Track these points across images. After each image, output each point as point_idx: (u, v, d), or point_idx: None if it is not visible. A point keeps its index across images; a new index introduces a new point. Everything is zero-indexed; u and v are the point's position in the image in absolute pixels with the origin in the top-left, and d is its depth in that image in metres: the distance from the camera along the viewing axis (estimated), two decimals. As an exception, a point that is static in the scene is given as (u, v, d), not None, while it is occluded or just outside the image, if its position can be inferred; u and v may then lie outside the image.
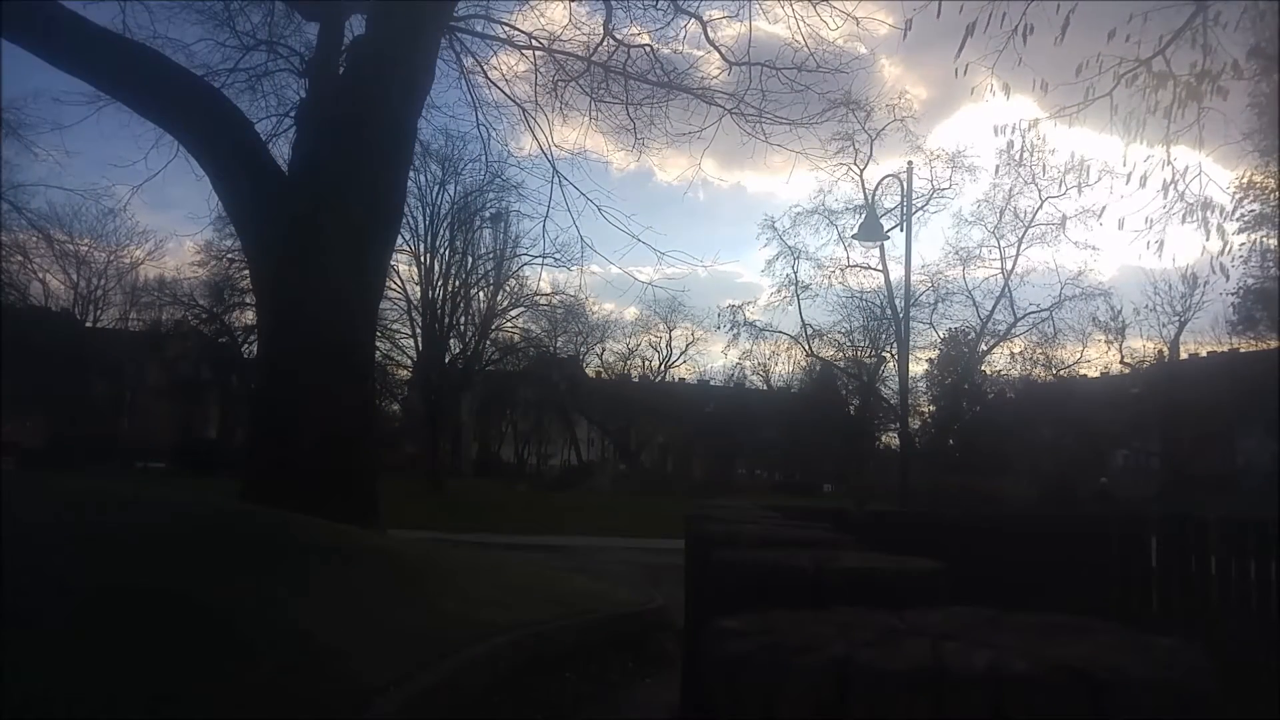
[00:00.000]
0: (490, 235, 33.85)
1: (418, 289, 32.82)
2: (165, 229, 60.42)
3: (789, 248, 34.48)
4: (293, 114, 11.24)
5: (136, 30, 10.63)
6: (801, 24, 11.94)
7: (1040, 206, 32.06)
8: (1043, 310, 33.22)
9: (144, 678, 2.87)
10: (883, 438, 42.00)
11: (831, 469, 41.11)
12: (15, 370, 26.56)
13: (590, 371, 46.58)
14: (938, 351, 37.86)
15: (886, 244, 28.49)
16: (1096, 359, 36.91)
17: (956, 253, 35.04)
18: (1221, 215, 7.18)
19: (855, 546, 0.86)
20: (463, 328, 34.67)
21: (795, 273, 34.49)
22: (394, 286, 30.45)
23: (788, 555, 0.66)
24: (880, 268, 33.08)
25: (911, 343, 22.47)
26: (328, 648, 3.42)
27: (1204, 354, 35.87)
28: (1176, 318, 34.93)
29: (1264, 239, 16.99)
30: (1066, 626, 0.41)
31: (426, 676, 3.37)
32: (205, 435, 41.25)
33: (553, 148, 14.11)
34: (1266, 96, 9.20)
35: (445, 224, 32.46)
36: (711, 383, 49.11)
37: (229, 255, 28.58)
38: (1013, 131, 7.37)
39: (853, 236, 25.41)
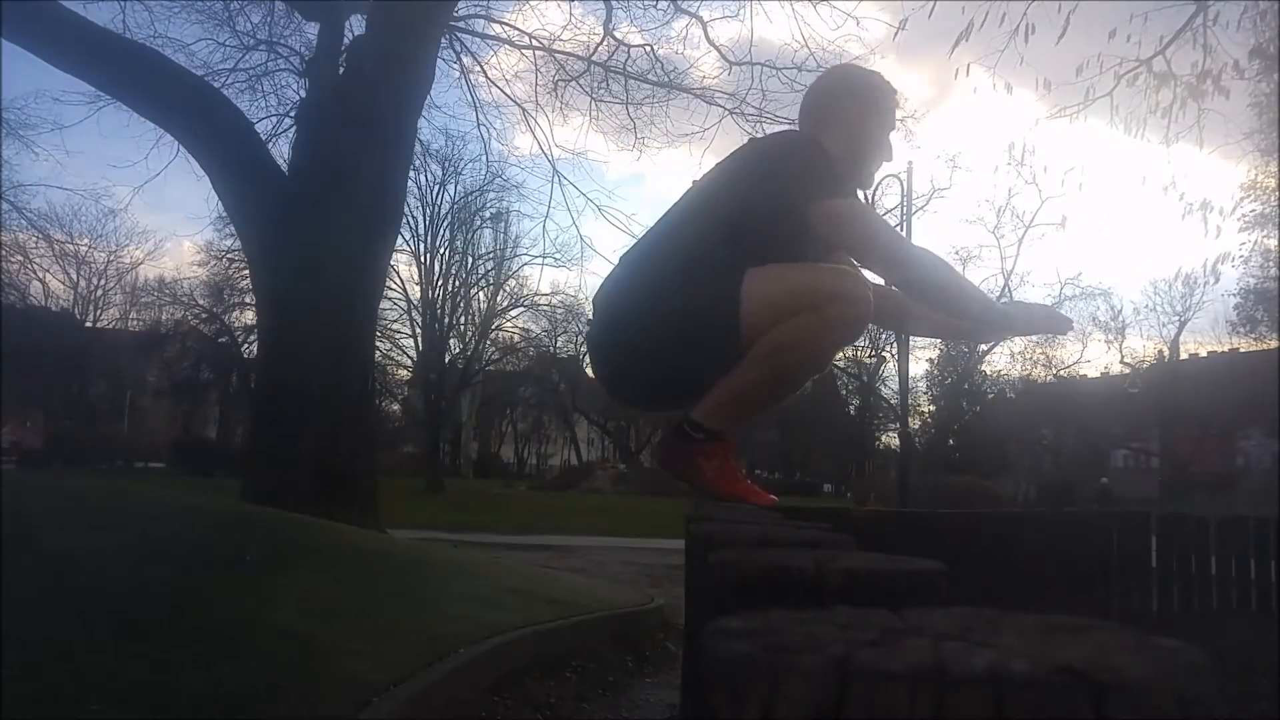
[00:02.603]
0: (490, 235, 33.98)
1: (418, 289, 32.91)
2: (165, 229, 60.68)
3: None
4: (293, 114, 11.24)
5: (136, 30, 10.63)
6: (802, 24, 11.95)
7: (1040, 207, 32.14)
8: (1043, 310, 33.20)
9: (142, 678, 2.87)
10: (883, 438, 42.03)
11: (832, 469, 41.11)
12: (15, 370, 26.55)
13: (590, 372, 46.52)
14: (938, 351, 37.91)
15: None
16: (1096, 359, 37.01)
17: (956, 253, 35.08)
18: (1221, 215, 7.21)
19: (855, 546, 0.86)
20: (463, 328, 34.75)
21: (795, 272, 34.52)
22: (394, 286, 30.53)
23: (788, 555, 0.66)
24: (880, 268, 33.11)
25: (911, 343, 22.44)
26: (328, 648, 3.42)
27: (1204, 354, 35.90)
28: (1176, 318, 35.01)
29: (1264, 239, 17.00)
30: (1066, 626, 0.41)
31: (426, 676, 3.37)
32: (205, 435, 41.25)
33: (553, 148, 14.14)
34: (1266, 96, 9.21)
35: (445, 224, 32.56)
36: (712, 383, 48.98)
37: (229, 255, 28.58)
38: (1013, 135, 7.41)
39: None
